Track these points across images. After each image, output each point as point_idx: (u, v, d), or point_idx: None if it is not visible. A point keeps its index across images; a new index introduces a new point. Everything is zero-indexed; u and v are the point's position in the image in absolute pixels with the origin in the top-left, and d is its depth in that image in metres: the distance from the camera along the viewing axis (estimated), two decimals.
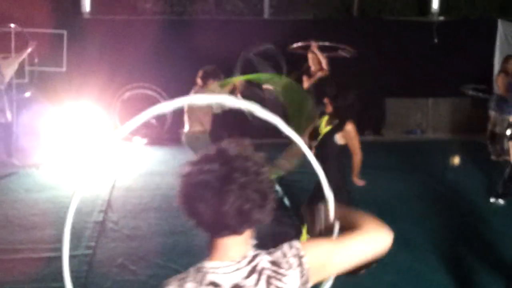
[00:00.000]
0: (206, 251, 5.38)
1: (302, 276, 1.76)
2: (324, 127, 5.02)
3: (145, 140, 11.04)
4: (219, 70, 7.17)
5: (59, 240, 5.56)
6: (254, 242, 1.78)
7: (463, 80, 11.00)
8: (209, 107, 6.91)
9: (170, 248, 5.75)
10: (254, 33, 10.83)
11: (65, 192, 7.69)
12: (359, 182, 5.16)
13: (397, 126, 12.36)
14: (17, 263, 5.39)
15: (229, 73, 7.17)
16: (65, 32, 10.81)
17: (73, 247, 5.64)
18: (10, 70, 8.28)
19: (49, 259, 5.43)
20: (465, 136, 11.72)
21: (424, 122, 12.49)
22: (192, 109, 6.94)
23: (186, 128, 7.05)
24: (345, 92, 4.98)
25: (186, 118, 7.08)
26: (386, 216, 2.27)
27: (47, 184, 8.03)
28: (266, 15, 11.52)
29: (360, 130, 5.34)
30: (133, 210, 6.99)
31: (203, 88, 6.97)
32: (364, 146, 5.05)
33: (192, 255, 5.57)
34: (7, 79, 8.44)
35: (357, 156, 4.98)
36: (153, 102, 11.06)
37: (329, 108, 4.98)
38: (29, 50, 8.50)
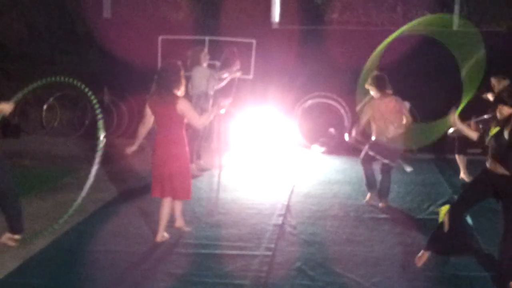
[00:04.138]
0: (383, 263, 5.32)
1: None
2: None
3: (323, 149, 11.16)
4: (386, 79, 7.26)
5: (242, 239, 5.88)
6: None
7: None
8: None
9: (347, 257, 5.75)
10: (441, 44, 10.53)
11: (247, 194, 8.04)
12: None
13: None
14: (201, 257, 5.70)
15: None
16: (254, 41, 11.32)
17: (254, 247, 5.93)
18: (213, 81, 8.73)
19: (232, 256, 5.69)
20: None
21: None
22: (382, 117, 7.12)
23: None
24: None
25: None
26: None
27: (230, 186, 8.42)
28: (455, 26, 11.10)
29: None
30: (311, 216, 7.10)
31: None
32: None
33: (369, 265, 5.54)
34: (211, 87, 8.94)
35: None
36: (333, 112, 11.27)
37: None
38: (236, 71, 8.91)
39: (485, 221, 6.71)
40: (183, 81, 5.88)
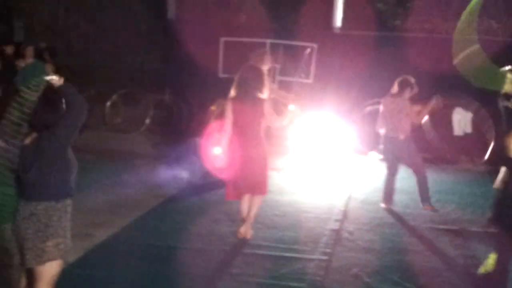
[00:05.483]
0: (443, 274, 5.19)
1: None
2: None
3: (381, 156, 11.02)
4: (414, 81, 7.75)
5: (298, 242, 5.86)
6: None
7: None
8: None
9: (405, 266, 5.68)
10: (507, 53, 10.27)
11: (304, 197, 8.03)
12: None
13: None
14: (257, 258, 5.73)
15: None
16: (315, 46, 11.30)
17: (310, 251, 5.92)
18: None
19: (288, 259, 5.70)
20: None
21: None
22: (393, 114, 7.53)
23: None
24: None
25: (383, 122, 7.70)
26: None
27: (288, 188, 8.43)
28: None
29: None
30: (369, 223, 7.04)
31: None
32: None
33: (428, 276, 5.46)
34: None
35: None
36: None
37: None
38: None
39: None
40: (267, 84, 5.97)
